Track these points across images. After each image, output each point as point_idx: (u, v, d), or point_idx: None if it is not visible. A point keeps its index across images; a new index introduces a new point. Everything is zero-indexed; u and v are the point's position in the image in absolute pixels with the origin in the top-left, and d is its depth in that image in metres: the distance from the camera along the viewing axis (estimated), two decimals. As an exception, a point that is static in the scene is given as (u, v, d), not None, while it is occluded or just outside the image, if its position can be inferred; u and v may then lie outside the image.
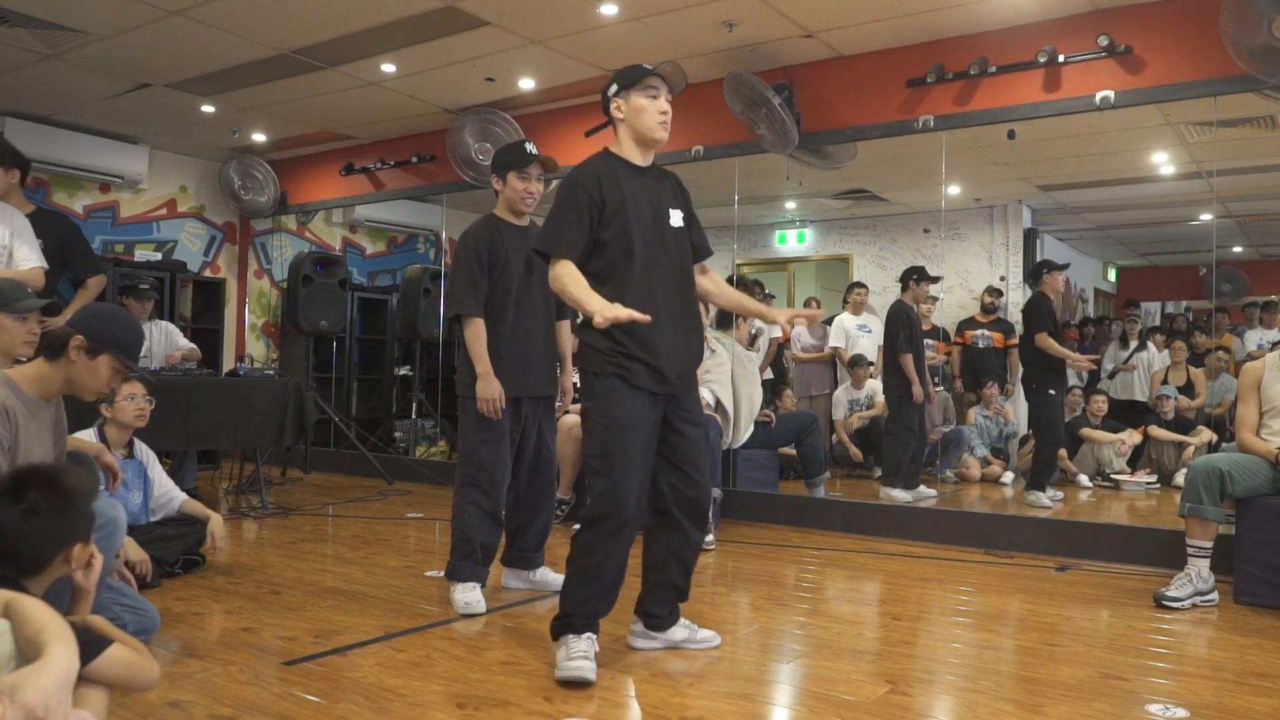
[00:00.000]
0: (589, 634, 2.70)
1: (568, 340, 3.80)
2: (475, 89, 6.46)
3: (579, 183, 2.69)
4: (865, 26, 5.17)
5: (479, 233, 3.53)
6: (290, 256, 8.46)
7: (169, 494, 3.99)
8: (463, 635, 3.11)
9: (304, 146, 8.13)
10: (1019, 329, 6.48)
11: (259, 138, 7.85)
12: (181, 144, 8.07)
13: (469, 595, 3.38)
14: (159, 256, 7.95)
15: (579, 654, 2.63)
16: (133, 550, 3.38)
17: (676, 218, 2.83)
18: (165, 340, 5.96)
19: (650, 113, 2.76)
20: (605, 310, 2.43)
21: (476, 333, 3.44)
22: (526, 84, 6.33)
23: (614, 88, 2.80)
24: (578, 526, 2.74)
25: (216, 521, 3.87)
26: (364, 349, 9.19)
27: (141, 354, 5.69)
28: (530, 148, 3.58)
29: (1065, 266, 6.11)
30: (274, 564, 4.19)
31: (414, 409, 8.28)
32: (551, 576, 3.72)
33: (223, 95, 6.70)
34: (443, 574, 3.57)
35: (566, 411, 4.93)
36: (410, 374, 8.75)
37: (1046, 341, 5.91)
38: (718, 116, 5.81)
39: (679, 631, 2.96)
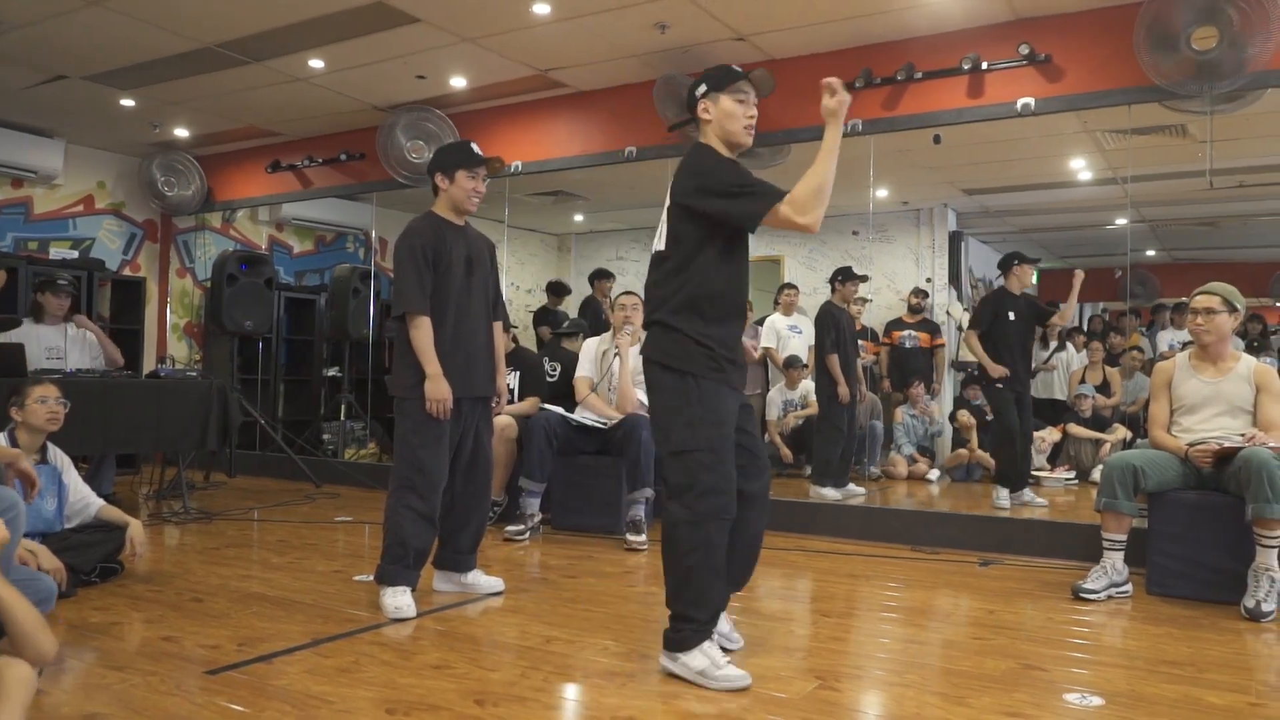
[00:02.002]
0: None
1: (501, 342, 3.78)
2: (406, 86, 6.39)
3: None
4: (796, 31, 5.24)
5: (423, 230, 3.48)
6: (214, 255, 8.25)
7: (85, 500, 3.86)
8: (393, 640, 3.07)
9: (229, 143, 7.95)
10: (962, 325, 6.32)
11: (181, 133, 7.65)
12: (99, 138, 7.81)
13: (399, 599, 3.34)
14: (75, 254, 7.68)
15: (727, 661, 2.61)
16: (46, 559, 3.27)
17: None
18: (84, 346, 5.72)
19: (739, 117, 2.70)
20: None
21: (424, 331, 3.38)
22: (458, 82, 6.27)
23: (703, 88, 2.73)
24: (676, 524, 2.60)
25: (136, 528, 3.76)
26: (291, 350, 9.02)
27: (56, 355, 5.53)
28: (478, 148, 3.57)
29: (1036, 261, 5.99)
30: (196, 571, 4.08)
31: (343, 411, 8.15)
32: (484, 579, 3.69)
33: (143, 89, 6.51)
34: (372, 578, 3.52)
35: (500, 413, 4.91)
36: (339, 375, 8.61)
37: (970, 341, 5.87)
38: (652, 117, 5.83)
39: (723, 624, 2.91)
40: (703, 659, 2.59)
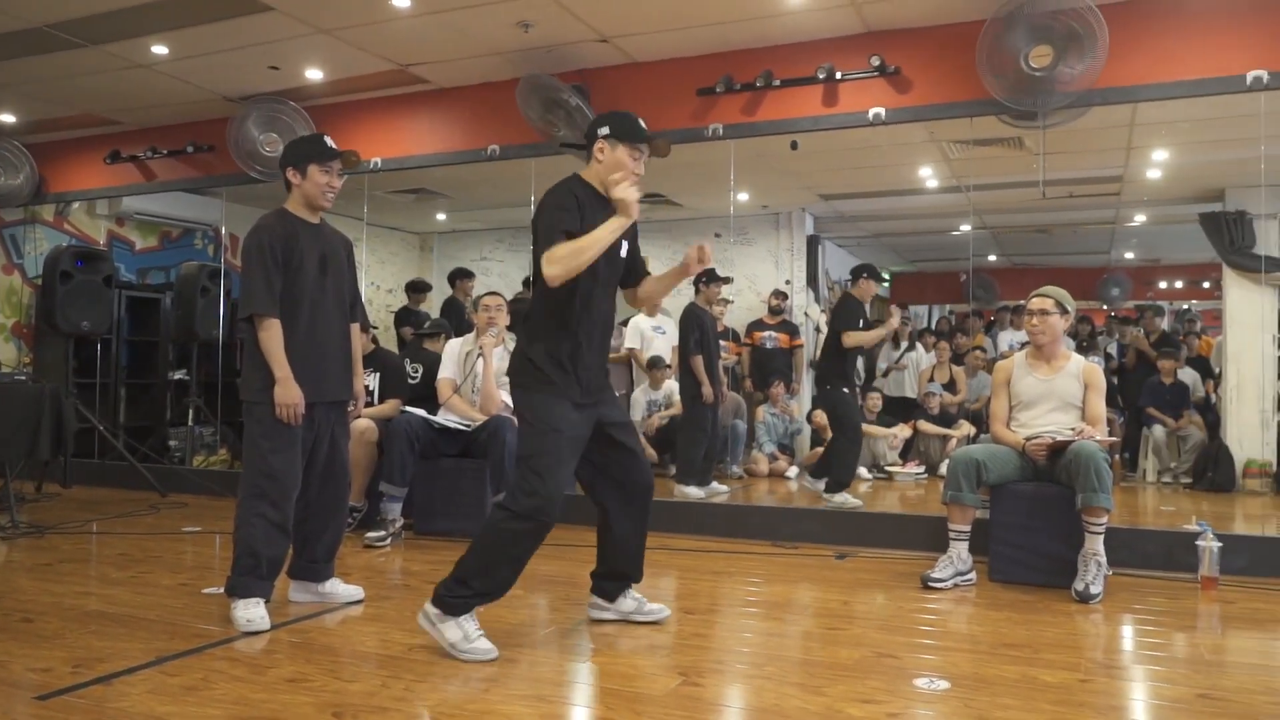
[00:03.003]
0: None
1: (359, 343, 3.68)
2: (258, 77, 6.14)
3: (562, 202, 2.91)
4: (658, 35, 5.30)
5: (273, 227, 3.34)
6: (46, 250, 7.73)
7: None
8: (244, 654, 2.94)
9: (62, 130, 7.45)
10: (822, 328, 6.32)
11: (8, 119, 7.14)
12: (-88, 123, 7.21)
13: (251, 611, 3.20)
14: (-116, 248, 7.07)
15: (480, 633, 2.86)
16: None
17: (623, 247, 3.08)
18: None
19: (626, 170, 2.96)
20: None
21: (273, 334, 3.25)
22: (314, 74, 6.08)
23: (606, 130, 2.98)
24: (503, 513, 2.87)
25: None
26: (133, 352, 8.52)
27: None
28: (331, 142, 3.44)
29: (883, 281, 6.21)
30: (26, 589, 3.81)
31: (191, 415, 7.76)
32: (341, 588, 3.59)
33: (-37, 70, 6.04)
34: (222, 590, 3.36)
35: (358, 416, 4.78)
36: (187, 378, 8.19)
37: (855, 338, 5.75)
38: (515, 116, 5.79)
39: (628, 603, 3.29)
40: (457, 631, 2.85)
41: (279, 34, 5.37)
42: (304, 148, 3.44)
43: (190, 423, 7.79)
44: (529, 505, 2.83)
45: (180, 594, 3.74)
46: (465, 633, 2.85)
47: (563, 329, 2.95)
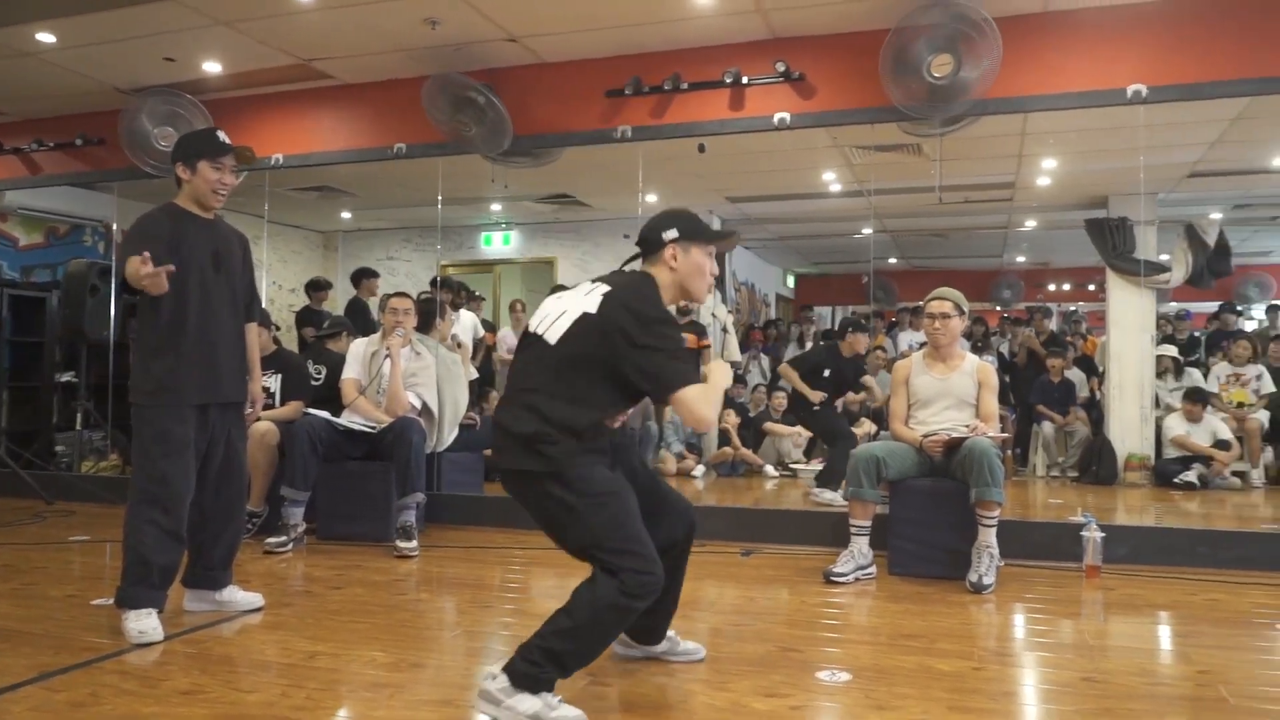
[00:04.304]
0: None
1: (255, 344, 3.58)
2: (153, 69, 5.93)
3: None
4: (566, 35, 5.30)
5: (159, 220, 3.22)
6: (-81, 246, 7.32)
7: None
8: (136, 667, 2.84)
9: (-63, 120, 7.07)
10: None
11: (-125, 107, 6.74)
12: None
13: (143, 622, 3.09)
14: None
15: (560, 699, 2.34)
16: None
17: None
18: None
19: (706, 274, 2.59)
20: None
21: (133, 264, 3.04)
22: (212, 67, 5.89)
23: (674, 233, 2.54)
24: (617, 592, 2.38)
25: None
26: (17, 353, 8.11)
27: None
28: (223, 136, 3.34)
29: (866, 330, 6.75)
30: (-103, 603, 3.61)
31: (79, 419, 7.43)
32: (240, 595, 3.49)
33: None
34: (112, 601, 3.23)
35: (258, 418, 4.66)
36: (75, 380, 7.83)
37: (786, 372, 6.59)
38: (423, 114, 5.71)
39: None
40: (537, 702, 2.31)
41: (175, 24, 5.19)
42: (195, 143, 3.34)
43: (79, 427, 7.47)
44: (645, 582, 2.38)
45: (67, 606, 3.59)
46: (546, 702, 2.32)
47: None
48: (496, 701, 2.30)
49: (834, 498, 5.79)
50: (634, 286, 2.49)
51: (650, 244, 2.58)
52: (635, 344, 2.36)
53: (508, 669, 2.32)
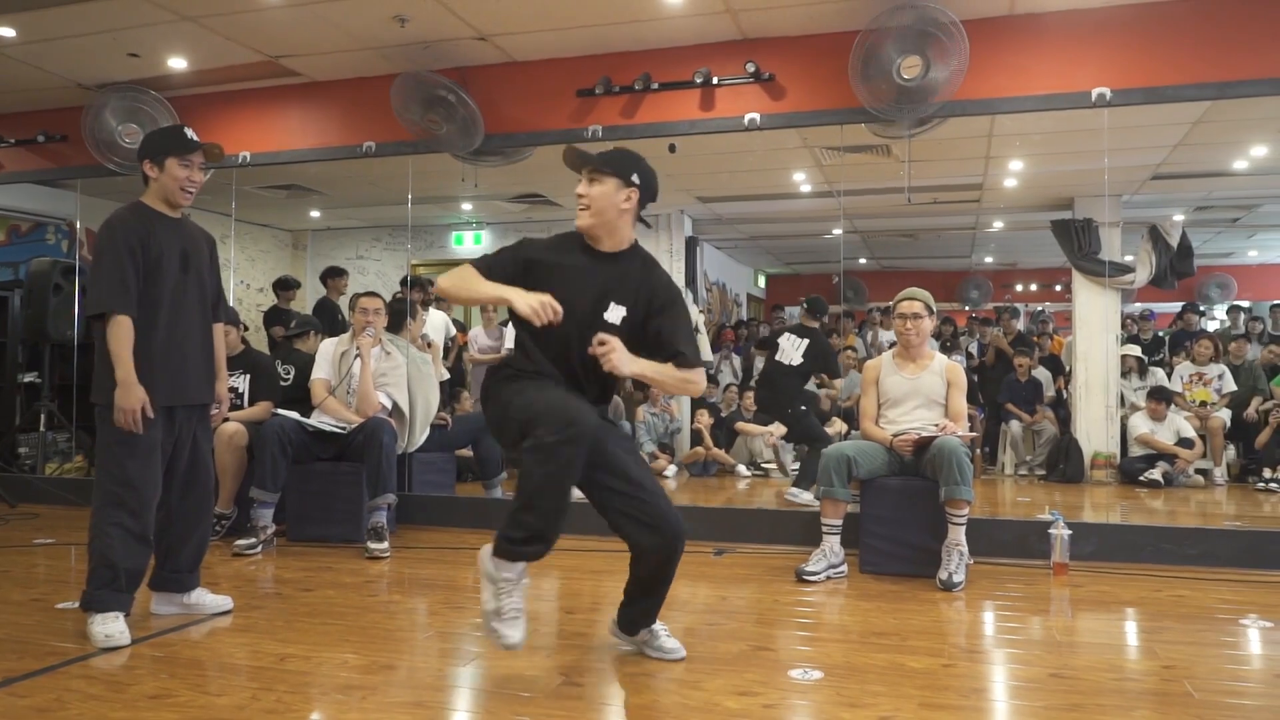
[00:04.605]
0: None
1: (223, 344, 3.54)
2: (117, 65, 5.84)
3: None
4: (537, 34, 5.29)
5: (128, 221, 3.18)
6: (-125, 245, 7.16)
7: None
8: (103, 671, 2.80)
9: (-107, 116, 6.93)
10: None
11: None
12: None
13: (110, 626, 3.04)
14: None
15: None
16: None
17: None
18: None
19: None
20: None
21: (122, 333, 3.08)
22: (177, 63, 5.82)
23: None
24: None
25: None
26: (-23, 353, 7.97)
27: None
28: (191, 133, 3.30)
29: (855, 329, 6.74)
30: None
31: (43, 421, 7.31)
32: (209, 598, 3.45)
33: None
34: (78, 605, 3.19)
35: (226, 419, 4.62)
36: (38, 381, 7.70)
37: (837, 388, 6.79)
38: (392, 113, 5.68)
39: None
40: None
41: (139, 19, 5.13)
42: (162, 140, 3.29)
43: (42, 428, 7.34)
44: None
45: (32, 610, 3.53)
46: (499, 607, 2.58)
47: None
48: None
49: (810, 499, 5.82)
50: None
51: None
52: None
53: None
